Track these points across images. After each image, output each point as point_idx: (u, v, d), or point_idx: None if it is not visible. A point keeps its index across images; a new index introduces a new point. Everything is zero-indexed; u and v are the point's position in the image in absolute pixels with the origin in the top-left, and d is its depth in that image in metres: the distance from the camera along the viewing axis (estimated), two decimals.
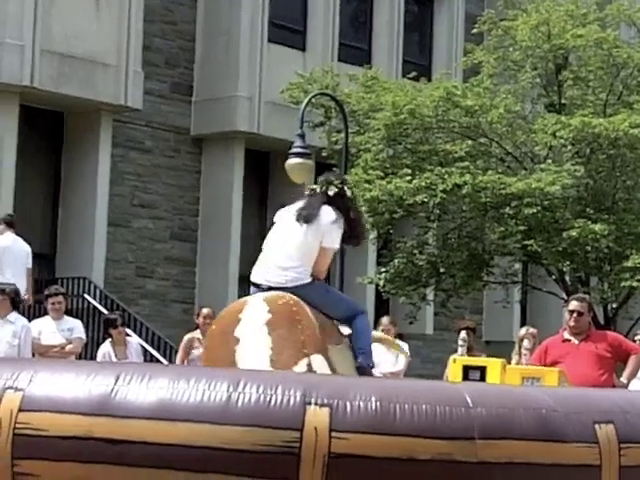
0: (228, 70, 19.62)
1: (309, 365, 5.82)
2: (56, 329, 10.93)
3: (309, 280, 6.29)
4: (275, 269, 6.28)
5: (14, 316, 10.41)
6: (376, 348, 6.96)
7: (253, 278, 6.39)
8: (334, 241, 6.39)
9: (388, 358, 10.75)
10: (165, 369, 4.63)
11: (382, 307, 19.17)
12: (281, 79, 18.63)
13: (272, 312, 6.00)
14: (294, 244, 6.32)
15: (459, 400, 4.19)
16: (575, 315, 8.29)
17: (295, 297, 6.12)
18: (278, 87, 18.49)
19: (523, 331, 11.20)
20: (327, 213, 6.39)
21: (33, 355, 10.85)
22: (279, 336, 5.91)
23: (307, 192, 6.57)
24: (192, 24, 19.99)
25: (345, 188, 6.47)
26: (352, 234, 6.50)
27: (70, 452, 4.09)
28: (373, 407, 4.07)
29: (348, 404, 4.07)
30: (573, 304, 8.42)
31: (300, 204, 6.47)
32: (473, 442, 4.10)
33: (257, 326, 5.93)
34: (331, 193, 6.42)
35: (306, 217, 6.36)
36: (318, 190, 6.48)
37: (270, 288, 6.22)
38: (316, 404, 4.04)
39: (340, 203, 6.43)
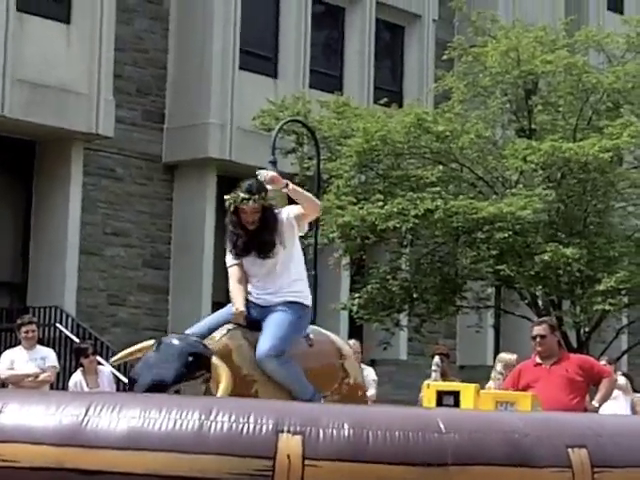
0: (200, 97, 19.62)
1: None
2: (29, 358, 10.85)
3: None
4: None
5: None
6: None
7: None
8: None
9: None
10: (136, 398, 4.60)
11: (356, 333, 19.14)
12: (253, 106, 18.66)
13: None
14: None
15: (432, 426, 4.18)
16: (539, 339, 8.30)
17: None
18: (250, 114, 18.52)
19: (509, 357, 11.09)
20: None
21: (5, 385, 10.78)
22: None
23: None
24: (164, 52, 19.99)
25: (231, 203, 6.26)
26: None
27: None
28: (346, 434, 4.06)
29: (321, 431, 4.06)
30: (534, 329, 8.46)
31: None
32: (446, 468, 4.10)
33: None
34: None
35: None
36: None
37: None
38: (288, 432, 4.03)
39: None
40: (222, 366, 5.69)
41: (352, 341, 11.74)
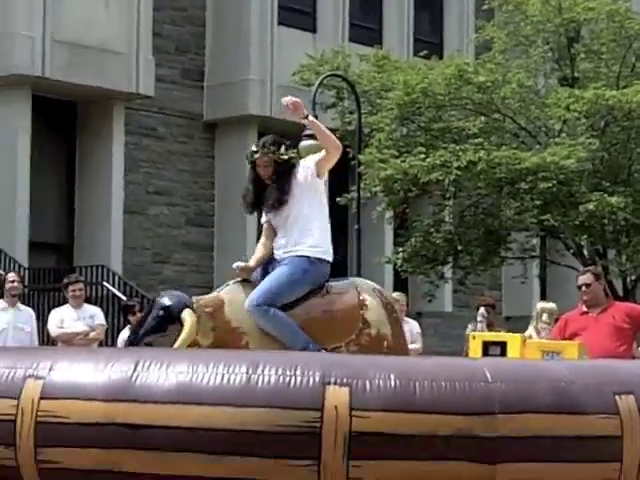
0: (239, 54, 19.59)
1: None
2: (77, 317, 10.95)
3: None
4: None
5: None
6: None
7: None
8: None
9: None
10: (184, 354, 4.64)
11: (401, 286, 19.16)
12: (292, 61, 18.58)
13: None
14: None
15: (478, 375, 4.19)
16: (584, 288, 8.31)
17: None
18: (289, 70, 18.45)
19: (551, 305, 10.95)
20: None
21: (54, 343, 10.91)
22: None
23: None
24: (201, 10, 19.96)
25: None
26: None
27: (92, 438, 4.11)
28: (392, 385, 4.08)
29: (367, 383, 4.08)
30: (579, 279, 8.48)
31: None
32: (493, 417, 4.11)
33: None
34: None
35: None
36: None
37: None
38: (335, 384, 4.06)
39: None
40: (188, 319, 5.79)
41: (397, 294, 11.76)
